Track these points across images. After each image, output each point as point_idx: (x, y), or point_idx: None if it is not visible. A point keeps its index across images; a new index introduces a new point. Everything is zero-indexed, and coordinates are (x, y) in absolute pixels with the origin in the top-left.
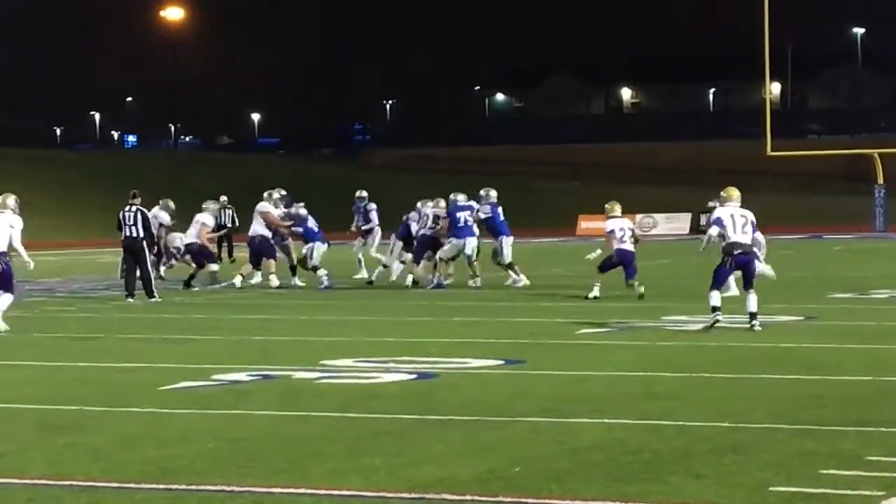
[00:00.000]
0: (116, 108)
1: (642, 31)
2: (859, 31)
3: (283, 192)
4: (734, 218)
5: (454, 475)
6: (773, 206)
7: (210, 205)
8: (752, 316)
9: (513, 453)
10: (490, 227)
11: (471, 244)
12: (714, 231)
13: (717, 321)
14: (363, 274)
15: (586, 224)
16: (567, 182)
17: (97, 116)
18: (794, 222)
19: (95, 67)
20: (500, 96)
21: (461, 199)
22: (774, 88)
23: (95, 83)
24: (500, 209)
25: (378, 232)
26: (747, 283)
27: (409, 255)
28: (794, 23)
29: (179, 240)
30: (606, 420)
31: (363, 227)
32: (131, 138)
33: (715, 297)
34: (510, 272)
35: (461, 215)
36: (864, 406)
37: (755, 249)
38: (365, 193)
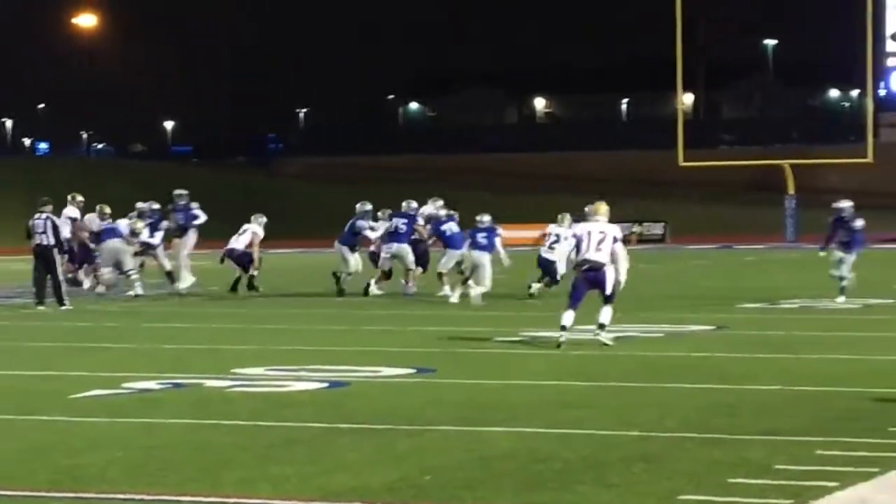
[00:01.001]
0: (28, 116)
1: (556, 40)
2: (771, 42)
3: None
4: (591, 234)
5: (365, 483)
6: (685, 216)
7: (259, 218)
8: (601, 326)
9: (424, 462)
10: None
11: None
12: (573, 252)
13: (560, 342)
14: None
15: (502, 233)
16: (484, 191)
17: (8, 123)
18: (706, 232)
19: (6, 74)
20: (413, 105)
21: (440, 206)
22: (687, 99)
23: (6, 90)
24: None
25: (192, 235)
26: (603, 297)
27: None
28: (707, 34)
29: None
30: (517, 429)
31: (184, 225)
32: (43, 145)
33: (564, 317)
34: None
35: (448, 227)
36: (772, 415)
37: (613, 265)
38: (185, 191)
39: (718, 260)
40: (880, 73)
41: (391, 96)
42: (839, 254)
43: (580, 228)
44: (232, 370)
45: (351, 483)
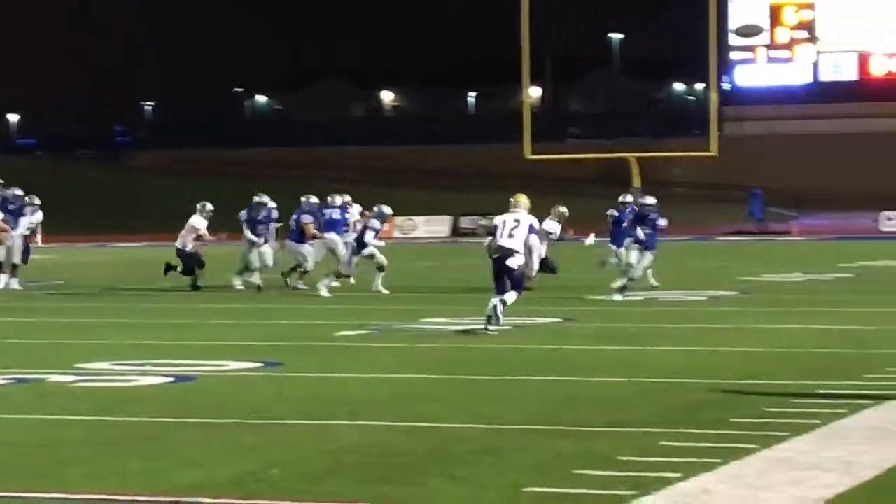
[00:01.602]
0: None
1: (405, 34)
2: (617, 36)
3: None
4: (506, 223)
5: (211, 478)
6: (533, 209)
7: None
8: (502, 302)
9: (270, 456)
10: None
11: None
12: (489, 238)
13: (486, 329)
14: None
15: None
16: (333, 184)
17: None
18: None
19: None
20: (262, 98)
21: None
22: (534, 92)
23: None
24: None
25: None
26: (510, 284)
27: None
28: (554, 28)
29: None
30: (365, 422)
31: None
32: None
33: (490, 304)
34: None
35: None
36: (618, 407)
37: (520, 253)
38: (20, 192)
39: (566, 253)
40: (724, 68)
41: (241, 89)
42: (635, 250)
43: (498, 218)
44: (76, 365)
45: (196, 478)
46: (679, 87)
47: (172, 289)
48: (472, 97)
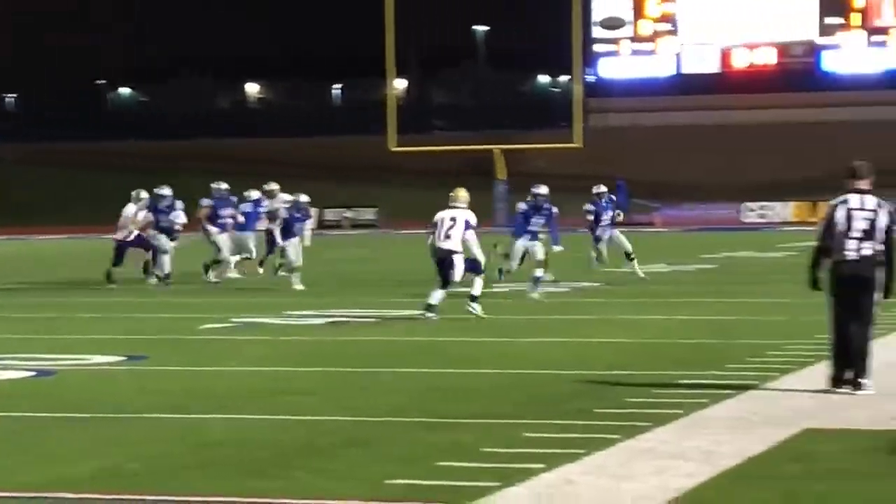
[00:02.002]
0: None
1: (270, 26)
2: (482, 28)
3: None
4: (444, 222)
5: (73, 473)
6: (397, 202)
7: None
8: (429, 307)
9: (135, 450)
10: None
11: None
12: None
13: (430, 318)
14: None
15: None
16: (197, 177)
17: None
18: (418, 217)
19: None
20: (125, 90)
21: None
22: (398, 84)
23: None
24: None
25: None
26: (443, 283)
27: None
28: (418, 20)
29: None
30: (231, 416)
31: None
32: None
33: (432, 296)
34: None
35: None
36: (484, 398)
37: (459, 253)
38: None
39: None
40: (588, 60)
41: (103, 81)
42: (523, 243)
43: (438, 215)
44: None
45: (57, 473)
46: (544, 79)
47: (45, 283)
48: (337, 89)
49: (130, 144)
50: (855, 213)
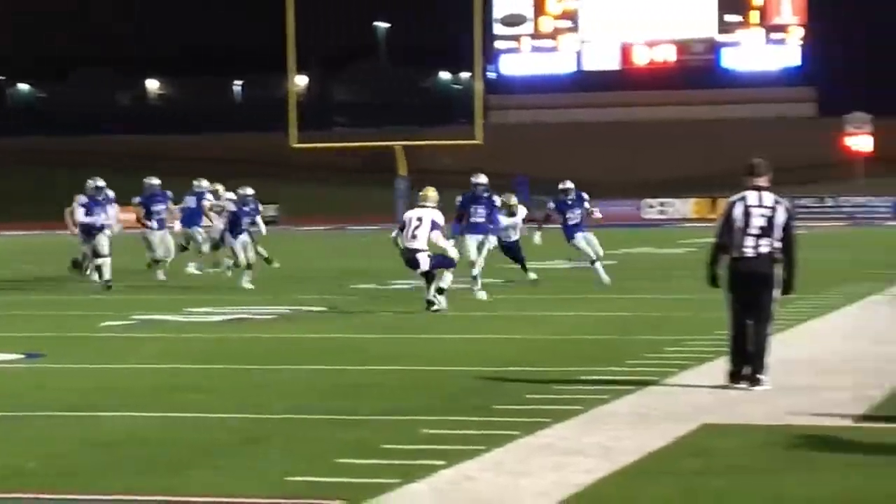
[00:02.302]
0: None
1: (169, 22)
2: (383, 25)
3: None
4: (411, 222)
5: None
6: (301, 198)
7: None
8: (439, 290)
9: (29, 449)
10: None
11: None
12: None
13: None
14: None
15: None
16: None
17: None
18: (320, 213)
19: None
20: (23, 86)
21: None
22: (300, 81)
23: None
24: None
25: None
26: (423, 274)
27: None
28: (319, 16)
29: None
30: (130, 413)
31: None
32: None
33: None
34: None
35: None
36: (385, 395)
37: (425, 251)
38: None
39: (331, 241)
40: (489, 57)
41: (0, 77)
42: (476, 238)
43: (406, 214)
44: None
45: None
46: (445, 75)
47: None
48: (238, 86)
49: (30, 140)
50: (753, 210)
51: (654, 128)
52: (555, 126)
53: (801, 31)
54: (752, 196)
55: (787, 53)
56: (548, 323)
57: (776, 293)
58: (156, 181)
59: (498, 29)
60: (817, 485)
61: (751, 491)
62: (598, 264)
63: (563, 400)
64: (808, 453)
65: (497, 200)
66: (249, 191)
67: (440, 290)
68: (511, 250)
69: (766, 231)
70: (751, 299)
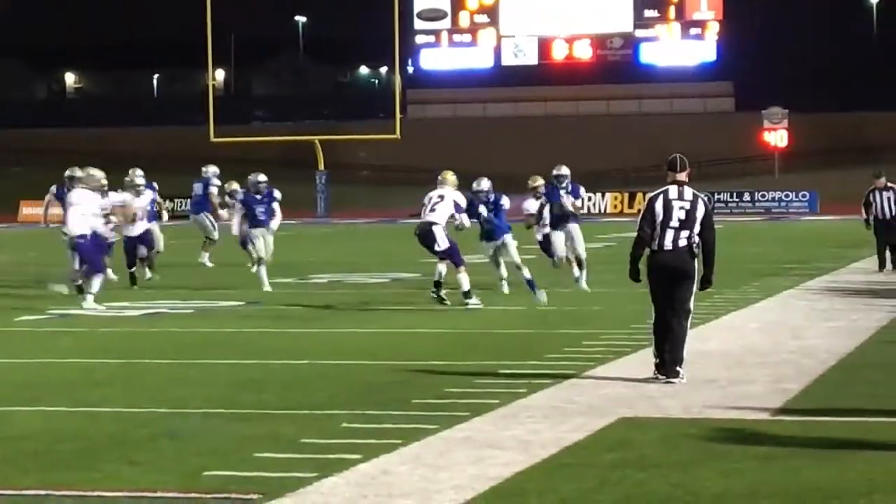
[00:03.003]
0: None
1: (87, 15)
2: (301, 19)
3: None
4: (431, 199)
5: None
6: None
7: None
8: (465, 295)
9: None
10: None
11: None
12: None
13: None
14: None
15: (29, 210)
16: (15, 168)
17: None
18: None
19: None
20: None
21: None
22: (218, 75)
23: None
24: None
25: None
26: (436, 254)
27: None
28: (237, 10)
29: None
30: (43, 408)
31: None
32: None
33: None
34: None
35: None
36: (301, 389)
37: (439, 224)
38: None
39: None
40: (409, 51)
41: None
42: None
43: (428, 194)
44: None
45: None
46: (365, 70)
47: None
48: (156, 79)
49: None
50: (673, 204)
51: (572, 123)
52: (473, 120)
53: (717, 27)
54: (672, 190)
55: (705, 48)
56: (467, 317)
57: (694, 287)
58: (139, 173)
59: (417, 24)
60: (733, 477)
61: (667, 484)
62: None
63: (481, 394)
64: (724, 446)
65: (504, 201)
66: (262, 178)
67: (466, 294)
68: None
69: (686, 224)
70: (670, 292)
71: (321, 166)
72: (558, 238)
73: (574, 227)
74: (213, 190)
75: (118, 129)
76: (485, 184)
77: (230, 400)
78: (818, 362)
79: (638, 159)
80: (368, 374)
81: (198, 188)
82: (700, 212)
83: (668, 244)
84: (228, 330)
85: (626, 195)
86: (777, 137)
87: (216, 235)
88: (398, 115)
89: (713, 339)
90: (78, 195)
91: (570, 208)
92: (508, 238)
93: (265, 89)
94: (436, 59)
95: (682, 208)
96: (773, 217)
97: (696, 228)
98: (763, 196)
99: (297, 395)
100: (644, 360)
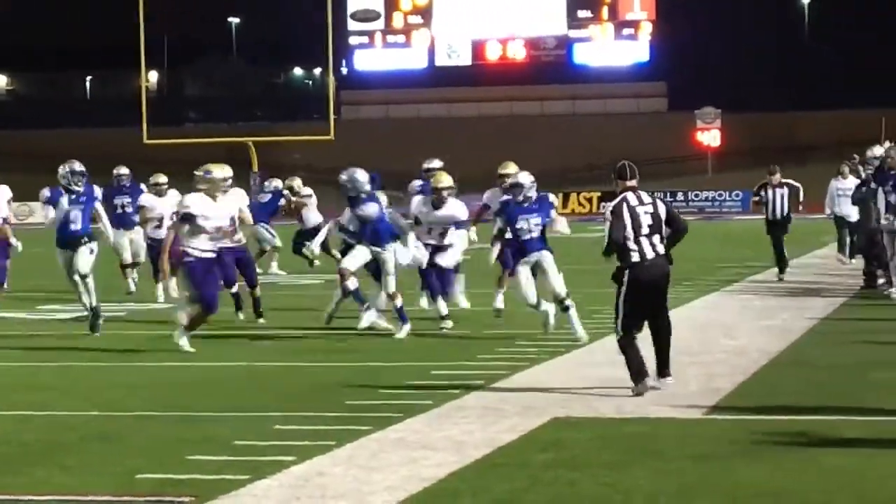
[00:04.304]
0: None
1: (18, 17)
2: (234, 20)
3: None
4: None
5: None
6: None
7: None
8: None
9: None
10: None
11: None
12: None
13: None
14: None
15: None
16: None
17: None
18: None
19: None
20: None
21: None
22: (151, 76)
23: None
24: None
25: None
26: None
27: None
28: (171, 11)
29: None
30: None
31: None
32: None
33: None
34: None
35: None
36: (234, 392)
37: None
38: None
39: None
40: (343, 52)
41: None
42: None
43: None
44: None
45: None
46: (298, 71)
47: None
48: (88, 81)
49: None
50: (637, 210)
51: (507, 123)
52: (407, 121)
53: (650, 27)
54: (630, 197)
55: (638, 49)
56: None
57: None
58: (124, 171)
59: (351, 24)
60: (665, 476)
61: (599, 483)
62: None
63: (414, 395)
64: (656, 445)
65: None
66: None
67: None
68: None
69: (654, 228)
70: (655, 300)
71: (255, 168)
72: (524, 275)
73: (546, 258)
74: (282, 203)
75: (49, 132)
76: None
77: (165, 402)
78: (750, 361)
79: (573, 159)
80: (301, 376)
81: (266, 197)
82: (662, 210)
83: (649, 254)
84: (160, 332)
85: (561, 195)
86: (710, 137)
87: (278, 242)
88: (332, 117)
89: (645, 339)
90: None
91: (564, 231)
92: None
93: (198, 90)
94: (370, 60)
95: (647, 213)
96: (707, 216)
97: (664, 230)
98: (696, 196)
99: (231, 397)
100: (580, 361)
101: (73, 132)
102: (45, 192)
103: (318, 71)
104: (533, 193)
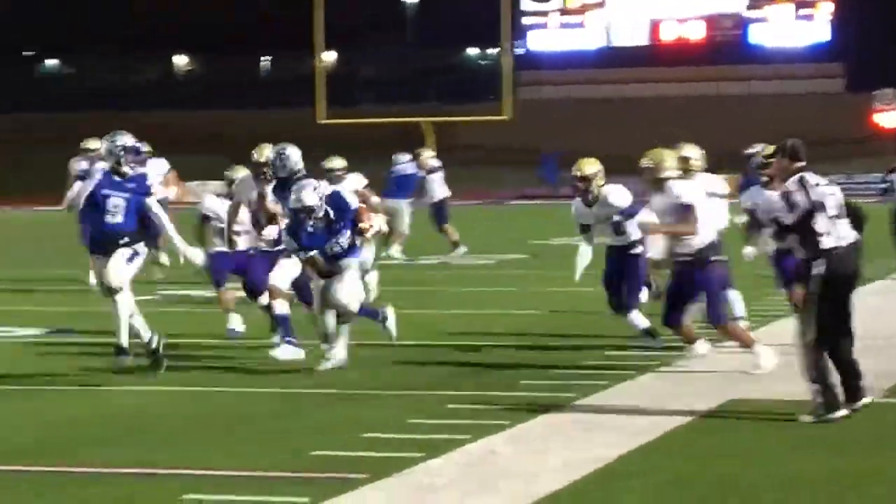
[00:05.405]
0: None
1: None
2: (411, 1)
3: None
4: None
5: None
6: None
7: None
8: None
9: None
10: None
11: None
12: None
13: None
14: None
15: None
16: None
17: None
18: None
19: None
20: (51, 62)
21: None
22: (327, 57)
23: None
24: None
25: None
26: None
27: None
28: None
29: None
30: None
31: None
32: None
33: None
34: None
35: None
36: (408, 370)
37: None
38: None
39: None
40: (517, 33)
41: (32, 52)
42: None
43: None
44: None
45: None
46: (473, 51)
47: None
48: (265, 62)
49: (56, 116)
50: (823, 190)
51: (682, 104)
52: (582, 102)
53: (830, 7)
54: (811, 177)
55: (816, 29)
56: (569, 298)
57: None
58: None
59: (525, 5)
60: (839, 461)
61: (766, 471)
62: None
63: (588, 375)
64: (827, 430)
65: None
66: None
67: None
68: None
69: (841, 212)
70: (845, 303)
71: (430, 147)
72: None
73: None
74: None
75: (227, 112)
76: None
77: (338, 381)
78: None
79: (747, 141)
80: (475, 354)
81: (407, 168)
82: (840, 195)
83: (842, 239)
84: None
85: (737, 176)
86: (888, 119)
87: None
88: (508, 97)
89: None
90: None
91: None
92: None
93: (373, 71)
94: (545, 40)
95: (831, 194)
96: (882, 201)
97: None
98: (875, 178)
99: (404, 375)
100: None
101: (252, 113)
102: (83, 164)
103: (492, 51)
104: None
